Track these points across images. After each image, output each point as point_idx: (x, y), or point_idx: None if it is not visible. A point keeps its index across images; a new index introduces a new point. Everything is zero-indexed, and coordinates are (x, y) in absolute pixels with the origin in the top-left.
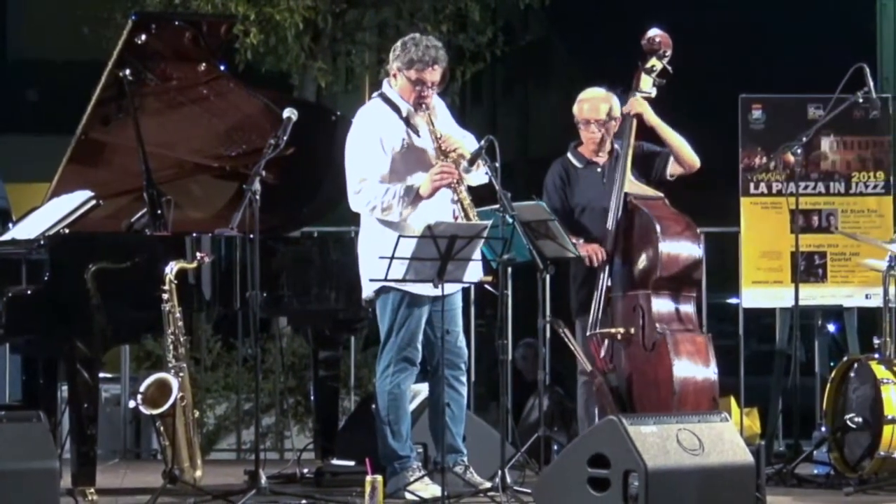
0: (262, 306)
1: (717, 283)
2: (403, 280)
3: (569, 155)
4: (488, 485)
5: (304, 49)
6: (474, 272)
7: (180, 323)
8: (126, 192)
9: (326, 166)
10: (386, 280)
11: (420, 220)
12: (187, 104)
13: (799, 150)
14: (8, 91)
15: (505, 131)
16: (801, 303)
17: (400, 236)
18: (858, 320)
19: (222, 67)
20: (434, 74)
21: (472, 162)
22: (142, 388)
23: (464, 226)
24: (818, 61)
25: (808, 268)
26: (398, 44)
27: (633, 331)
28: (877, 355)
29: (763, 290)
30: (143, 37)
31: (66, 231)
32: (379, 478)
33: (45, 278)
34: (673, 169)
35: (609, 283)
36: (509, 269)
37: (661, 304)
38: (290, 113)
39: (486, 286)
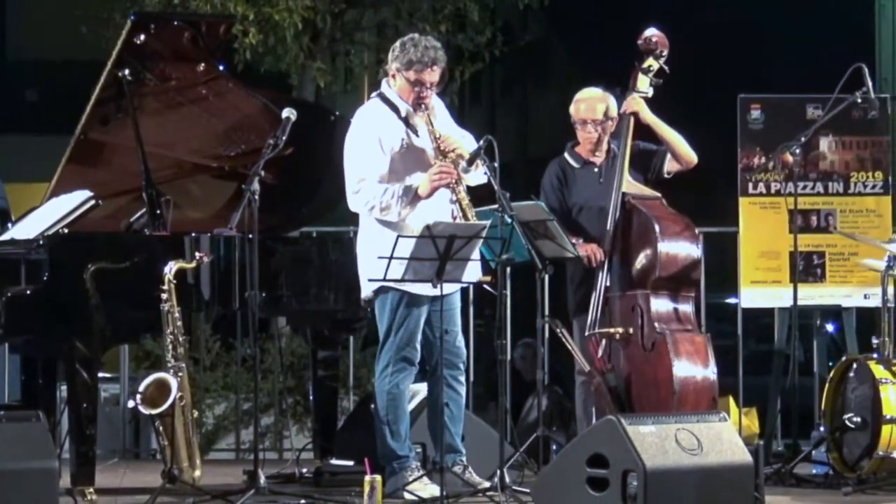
0: (260, 306)
1: (715, 283)
2: (402, 280)
3: (566, 155)
4: (487, 484)
5: (303, 49)
6: (473, 272)
7: (179, 323)
8: (125, 191)
9: (325, 166)
10: (385, 280)
11: (419, 220)
12: (186, 104)
13: (797, 150)
14: (7, 91)
15: (504, 131)
16: (799, 303)
17: (399, 236)
18: (857, 320)
19: (221, 67)
20: (433, 75)
21: (470, 162)
22: (141, 388)
23: (462, 226)
24: (817, 61)
25: (806, 268)
26: (397, 44)
27: (631, 331)
28: (875, 355)
29: (762, 290)
30: (142, 37)
31: (66, 231)
32: (378, 477)
33: (45, 278)
34: (670, 166)
35: (608, 283)
36: (508, 269)
37: (660, 304)
38: (288, 113)
39: (485, 286)
